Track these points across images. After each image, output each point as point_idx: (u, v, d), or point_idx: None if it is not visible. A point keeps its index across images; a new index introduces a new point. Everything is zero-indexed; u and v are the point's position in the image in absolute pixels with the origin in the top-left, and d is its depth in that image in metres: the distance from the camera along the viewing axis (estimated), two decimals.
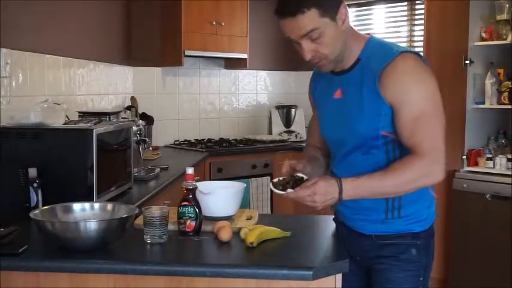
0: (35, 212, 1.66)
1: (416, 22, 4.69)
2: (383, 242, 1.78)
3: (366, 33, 1.83)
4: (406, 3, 4.75)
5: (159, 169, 3.08)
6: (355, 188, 1.66)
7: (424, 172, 1.66)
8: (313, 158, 1.94)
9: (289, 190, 1.69)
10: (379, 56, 1.70)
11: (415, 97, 1.66)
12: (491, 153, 3.77)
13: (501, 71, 3.77)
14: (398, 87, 1.66)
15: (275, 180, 1.78)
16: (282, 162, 1.85)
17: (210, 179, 3.97)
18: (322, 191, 1.63)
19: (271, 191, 1.67)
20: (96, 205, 1.79)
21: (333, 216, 1.99)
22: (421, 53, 3.79)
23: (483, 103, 3.76)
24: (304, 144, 4.38)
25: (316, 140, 2.01)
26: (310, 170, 1.86)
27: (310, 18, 1.65)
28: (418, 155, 1.65)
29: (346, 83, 1.78)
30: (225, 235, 1.70)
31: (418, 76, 1.68)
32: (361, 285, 1.88)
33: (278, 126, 5.11)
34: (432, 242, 1.84)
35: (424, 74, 1.69)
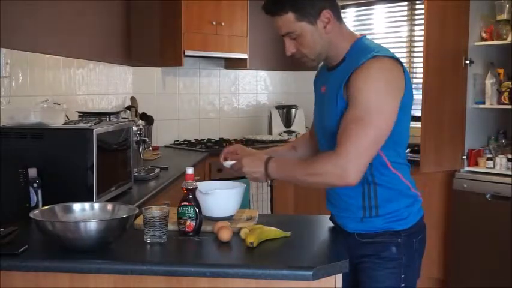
0: (35, 212, 1.66)
1: (416, 22, 4.69)
2: (364, 240, 1.81)
3: (361, 34, 1.87)
4: (406, 3, 4.75)
5: (159, 169, 3.08)
6: (278, 168, 1.78)
7: (331, 170, 1.66)
8: (284, 151, 2.17)
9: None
10: (357, 57, 1.72)
11: (361, 99, 1.66)
12: (491, 153, 3.77)
13: (501, 71, 3.77)
14: (354, 86, 1.68)
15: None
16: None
17: (210, 179, 3.97)
18: (247, 163, 1.82)
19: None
20: (96, 205, 1.79)
21: (330, 216, 2.01)
22: (421, 53, 3.82)
23: (483, 103, 3.76)
24: None
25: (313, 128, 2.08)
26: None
27: (286, 21, 1.75)
28: (334, 153, 1.66)
29: (329, 80, 1.83)
30: (225, 235, 1.70)
31: (375, 81, 1.68)
32: (353, 284, 1.88)
33: (278, 126, 5.11)
34: (415, 241, 1.83)
35: (386, 82, 1.69)
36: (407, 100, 1.74)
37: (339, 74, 1.78)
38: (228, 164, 1.92)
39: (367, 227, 1.80)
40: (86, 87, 3.44)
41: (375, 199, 1.78)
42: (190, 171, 1.82)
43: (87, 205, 1.78)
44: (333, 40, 1.78)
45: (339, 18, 1.79)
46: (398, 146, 1.81)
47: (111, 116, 2.68)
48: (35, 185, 1.98)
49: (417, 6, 4.68)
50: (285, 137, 4.93)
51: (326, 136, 1.84)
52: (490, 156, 3.75)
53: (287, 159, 1.81)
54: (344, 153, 1.64)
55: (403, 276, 1.79)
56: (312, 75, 2.05)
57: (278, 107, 5.17)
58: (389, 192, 1.78)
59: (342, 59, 1.80)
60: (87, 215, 1.74)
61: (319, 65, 2.01)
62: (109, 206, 1.77)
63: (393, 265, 1.79)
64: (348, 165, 1.63)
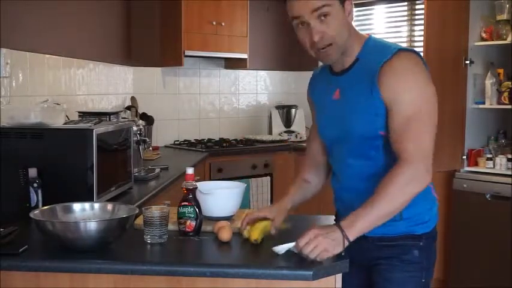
0: (35, 212, 1.66)
1: (416, 22, 4.69)
2: (382, 243, 1.76)
3: (366, 33, 1.83)
4: (406, 3, 4.75)
5: (159, 169, 3.08)
6: (353, 224, 1.57)
7: (408, 179, 1.61)
8: (300, 186, 1.97)
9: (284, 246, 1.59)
10: (377, 55, 1.69)
11: (407, 97, 1.64)
12: (491, 153, 3.77)
13: (501, 71, 3.77)
14: (392, 86, 1.64)
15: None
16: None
17: (210, 179, 3.97)
18: (329, 244, 1.53)
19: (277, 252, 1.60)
20: (96, 205, 1.79)
21: (334, 217, 1.99)
22: (421, 53, 3.82)
23: (483, 103, 3.76)
24: (304, 144, 4.38)
25: (315, 148, 1.98)
26: (301, 198, 1.95)
27: None
28: (400, 163, 1.62)
29: (344, 83, 1.77)
30: (225, 235, 1.70)
31: (412, 76, 1.66)
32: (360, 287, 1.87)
33: (278, 126, 5.11)
34: (434, 244, 1.82)
35: (420, 74, 1.67)
36: None
37: (356, 75, 1.73)
38: (281, 248, 1.58)
39: (388, 231, 1.73)
40: (86, 87, 3.44)
41: None
42: (190, 171, 1.82)
43: (87, 205, 1.78)
44: (351, 33, 1.73)
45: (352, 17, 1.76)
46: None
47: (111, 116, 2.68)
48: (35, 185, 1.98)
49: (417, 6, 4.68)
50: (285, 137, 4.93)
51: (354, 141, 1.75)
52: (490, 156, 3.76)
53: (354, 212, 1.59)
54: (410, 158, 1.60)
55: (423, 280, 1.76)
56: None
57: (278, 107, 5.17)
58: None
59: (354, 60, 1.75)
60: (87, 215, 1.74)
61: (312, 73, 1.96)
62: (109, 206, 1.78)
63: (413, 268, 1.75)
64: (419, 167, 1.61)
